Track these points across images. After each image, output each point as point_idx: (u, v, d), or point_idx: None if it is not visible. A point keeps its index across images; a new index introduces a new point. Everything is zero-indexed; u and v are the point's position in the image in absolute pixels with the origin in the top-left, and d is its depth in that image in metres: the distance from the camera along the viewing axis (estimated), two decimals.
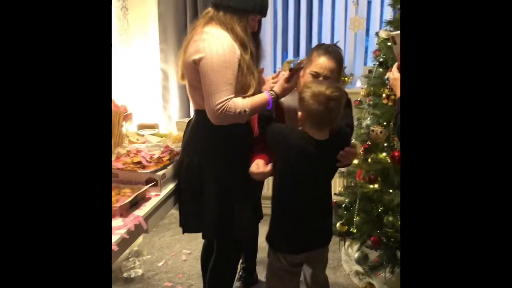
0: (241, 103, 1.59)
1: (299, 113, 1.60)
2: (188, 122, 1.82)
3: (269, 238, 1.74)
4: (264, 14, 1.69)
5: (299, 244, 1.69)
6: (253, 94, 1.65)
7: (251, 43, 1.64)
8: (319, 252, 1.76)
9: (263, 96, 1.66)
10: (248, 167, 1.71)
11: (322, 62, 1.70)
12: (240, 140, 1.71)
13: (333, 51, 1.73)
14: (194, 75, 1.63)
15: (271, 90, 1.68)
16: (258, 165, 1.67)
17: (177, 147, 1.97)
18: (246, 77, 1.62)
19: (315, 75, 1.69)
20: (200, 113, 1.68)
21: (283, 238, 1.69)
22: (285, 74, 1.71)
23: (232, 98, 1.58)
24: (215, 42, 1.56)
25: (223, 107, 1.56)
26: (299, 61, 1.73)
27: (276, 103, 1.73)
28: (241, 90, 1.63)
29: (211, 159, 1.69)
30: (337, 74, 1.75)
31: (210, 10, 1.67)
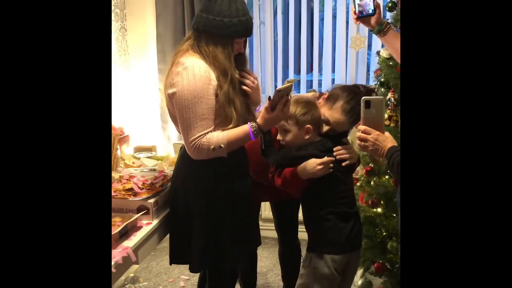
0: (216, 139, 1.53)
1: (309, 126, 1.63)
2: (181, 147, 1.76)
3: (311, 245, 1.70)
4: (250, 34, 1.62)
5: (345, 242, 1.66)
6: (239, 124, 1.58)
7: (233, 69, 1.56)
8: (357, 255, 1.76)
9: (244, 129, 1.56)
10: (242, 193, 1.66)
11: None
12: (228, 169, 1.64)
13: None
14: (172, 108, 1.58)
15: (253, 122, 1.57)
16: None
17: (172, 170, 1.91)
18: (225, 109, 1.55)
19: None
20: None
21: (329, 239, 1.66)
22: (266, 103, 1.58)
23: (206, 133, 1.52)
24: (187, 76, 1.49)
25: (196, 143, 1.52)
26: (292, 80, 1.65)
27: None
28: (222, 122, 1.57)
29: (196, 192, 1.64)
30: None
31: (191, 36, 1.60)
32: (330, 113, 1.65)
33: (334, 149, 1.65)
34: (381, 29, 1.67)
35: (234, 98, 1.56)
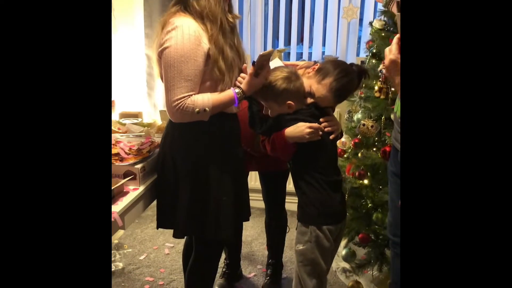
0: (201, 101, 1.50)
1: (290, 102, 1.58)
2: None
3: (306, 218, 1.66)
4: None
5: (340, 211, 1.69)
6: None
7: (224, 16, 1.53)
8: (344, 223, 1.77)
9: (228, 93, 1.55)
10: (232, 162, 1.65)
11: None
12: (221, 136, 1.62)
13: None
14: (161, 68, 1.55)
15: (237, 86, 1.57)
16: None
17: (159, 137, 1.88)
18: (217, 62, 1.51)
19: None
20: None
21: (326, 210, 1.63)
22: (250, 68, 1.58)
23: (191, 95, 1.49)
24: (177, 35, 1.46)
25: (180, 104, 1.48)
26: (282, 49, 1.62)
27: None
28: (211, 85, 1.54)
29: (185, 157, 1.61)
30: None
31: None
32: (317, 87, 1.61)
33: (321, 119, 1.63)
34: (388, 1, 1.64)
35: (224, 47, 1.53)
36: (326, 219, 1.64)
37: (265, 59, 1.54)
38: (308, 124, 1.58)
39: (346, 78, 1.60)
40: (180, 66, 1.46)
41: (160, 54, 1.51)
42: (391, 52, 1.24)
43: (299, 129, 1.58)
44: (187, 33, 1.46)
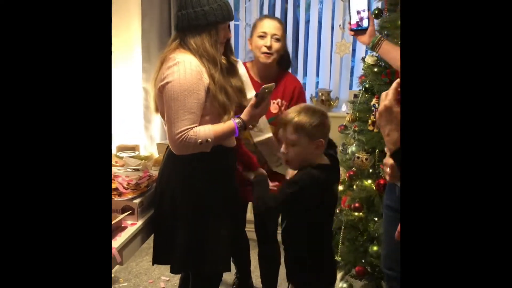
0: (203, 132, 1.54)
1: (322, 140, 1.47)
2: (167, 147, 1.76)
3: None
4: (232, 17, 1.63)
5: None
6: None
7: (220, 57, 1.60)
8: None
9: (229, 124, 1.59)
10: (230, 194, 1.67)
11: (265, 23, 1.98)
12: (217, 170, 1.65)
13: (272, 16, 2.03)
14: (161, 103, 1.59)
15: (238, 117, 1.62)
16: None
17: (156, 171, 1.90)
18: (218, 98, 1.56)
19: (264, 35, 1.95)
20: None
21: None
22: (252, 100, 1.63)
23: (193, 127, 1.52)
24: (179, 69, 1.50)
25: (183, 136, 1.51)
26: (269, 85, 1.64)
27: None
28: (213, 118, 1.58)
29: (183, 191, 1.63)
30: (282, 34, 1.99)
31: (176, 36, 1.62)
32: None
33: None
34: (375, 44, 1.69)
35: (225, 86, 1.58)
36: None
37: (267, 91, 1.59)
38: None
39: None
40: (183, 99, 1.50)
41: (161, 89, 1.55)
42: (387, 97, 1.07)
43: None
44: (189, 67, 1.51)
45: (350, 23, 1.73)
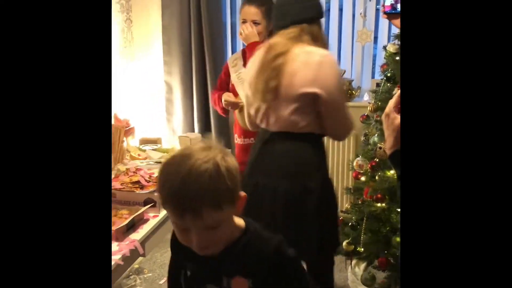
0: None
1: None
2: (262, 143, 1.67)
3: None
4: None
5: None
6: None
7: None
8: None
9: None
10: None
11: (244, 10, 2.08)
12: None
13: (251, 1, 2.05)
14: (302, 103, 1.54)
15: None
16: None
17: None
18: None
19: (244, 21, 2.08)
20: (304, 136, 1.60)
21: None
22: None
23: None
24: (326, 71, 1.52)
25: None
26: None
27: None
28: None
29: (316, 181, 1.63)
30: (262, 17, 2.04)
31: (294, 30, 1.56)
32: None
33: None
34: None
35: None
36: None
37: None
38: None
39: None
40: (343, 102, 1.65)
41: (315, 96, 1.52)
42: (388, 104, 1.08)
43: None
44: (335, 65, 1.59)
45: (384, 5, 1.65)
